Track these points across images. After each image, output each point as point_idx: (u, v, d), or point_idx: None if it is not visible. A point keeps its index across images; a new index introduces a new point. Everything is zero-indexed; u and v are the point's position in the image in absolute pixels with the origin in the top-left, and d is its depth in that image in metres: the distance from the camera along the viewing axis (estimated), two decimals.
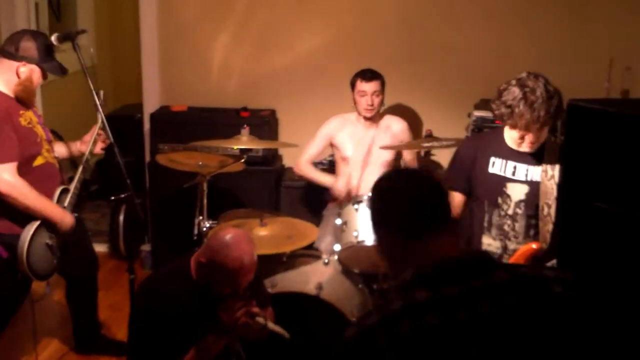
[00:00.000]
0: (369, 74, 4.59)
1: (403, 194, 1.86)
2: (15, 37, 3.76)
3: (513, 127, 3.30)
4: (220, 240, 2.92)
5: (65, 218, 3.72)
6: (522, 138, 3.33)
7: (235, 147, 4.12)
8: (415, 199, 1.84)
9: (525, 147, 3.37)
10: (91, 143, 3.91)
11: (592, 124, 2.20)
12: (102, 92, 3.75)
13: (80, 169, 3.88)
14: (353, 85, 4.64)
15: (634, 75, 4.85)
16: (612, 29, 5.05)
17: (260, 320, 2.95)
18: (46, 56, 3.72)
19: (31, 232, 3.58)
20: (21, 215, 3.60)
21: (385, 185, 1.94)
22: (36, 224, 3.62)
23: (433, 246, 1.78)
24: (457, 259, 1.76)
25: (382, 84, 4.62)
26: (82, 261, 4.18)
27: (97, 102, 3.72)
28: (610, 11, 5.06)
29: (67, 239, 3.80)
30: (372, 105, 4.57)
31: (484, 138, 3.58)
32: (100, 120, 3.84)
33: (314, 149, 4.77)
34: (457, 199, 3.60)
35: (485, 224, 3.50)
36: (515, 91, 3.21)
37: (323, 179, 4.68)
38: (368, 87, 4.56)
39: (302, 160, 4.77)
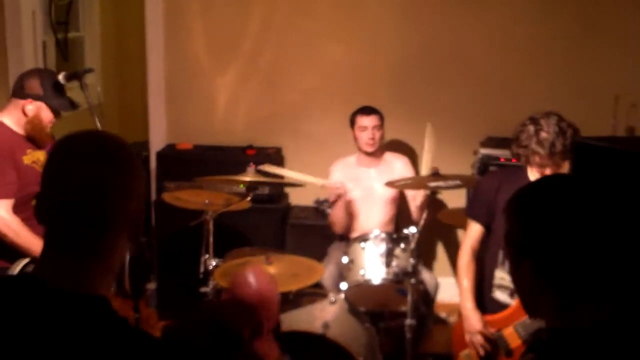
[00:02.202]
0: (367, 109, 4.65)
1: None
2: (22, 76, 3.79)
3: (531, 165, 3.33)
4: (240, 276, 2.89)
5: None
6: (542, 175, 3.34)
7: (242, 185, 4.11)
8: None
9: None
10: None
11: (599, 162, 2.19)
12: None
13: None
14: (353, 122, 4.67)
15: (639, 112, 4.86)
16: (617, 66, 5.08)
17: None
18: (54, 93, 3.71)
19: (18, 269, 3.55)
20: (10, 250, 3.58)
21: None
22: (25, 261, 3.59)
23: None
24: None
25: (382, 119, 4.66)
26: None
27: None
28: (615, 48, 5.09)
29: None
30: (373, 138, 4.60)
31: (509, 172, 3.59)
32: None
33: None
34: (476, 230, 3.60)
35: (500, 258, 3.48)
36: (529, 130, 3.26)
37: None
38: (368, 121, 4.60)
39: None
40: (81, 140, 1.59)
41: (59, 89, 3.76)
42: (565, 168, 3.37)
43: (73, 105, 3.82)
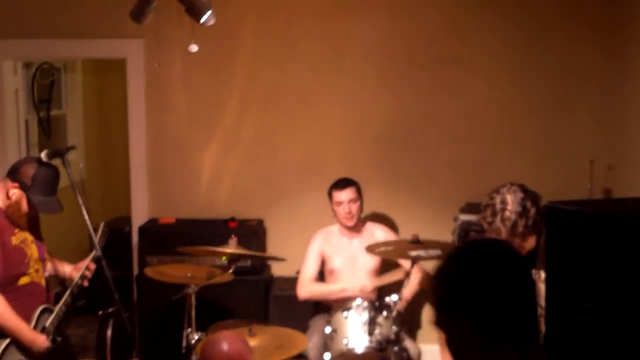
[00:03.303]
0: (342, 183, 4.69)
1: None
2: (23, 160, 3.81)
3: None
4: (213, 343, 2.90)
5: (35, 342, 3.60)
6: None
7: (223, 257, 4.13)
8: None
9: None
10: (82, 271, 3.81)
11: (571, 225, 2.24)
12: (102, 225, 3.79)
13: (68, 292, 3.77)
14: (330, 196, 4.73)
15: (615, 174, 4.94)
16: (591, 133, 5.19)
17: None
18: (41, 190, 3.66)
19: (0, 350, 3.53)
20: None
21: None
22: (5, 342, 3.56)
23: None
24: None
25: (358, 190, 4.70)
26: None
27: (94, 237, 3.73)
28: (588, 117, 5.22)
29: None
30: (350, 212, 4.64)
31: None
32: (92, 253, 3.79)
33: (311, 268, 4.77)
34: None
35: None
36: (494, 206, 3.29)
37: (334, 287, 4.67)
38: (344, 195, 4.65)
39: (304, 283, 4.74)
40: None
41: (49, 188, 3.69)
42: (530, 241, 3.41)
43: (56, 207, 3.74)
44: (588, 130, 5.22)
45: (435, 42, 5.29)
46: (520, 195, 3.31)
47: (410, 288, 4.48)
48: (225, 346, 2.84)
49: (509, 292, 1.68)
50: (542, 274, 3.37)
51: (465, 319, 1.67)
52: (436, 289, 1.76)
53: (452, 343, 1.71)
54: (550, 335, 2.39)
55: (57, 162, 3.84)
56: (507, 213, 3.26)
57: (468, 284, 1.68)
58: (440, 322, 1.74)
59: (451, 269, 1.75)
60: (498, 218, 3.27)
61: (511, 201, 3.28)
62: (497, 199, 3.31)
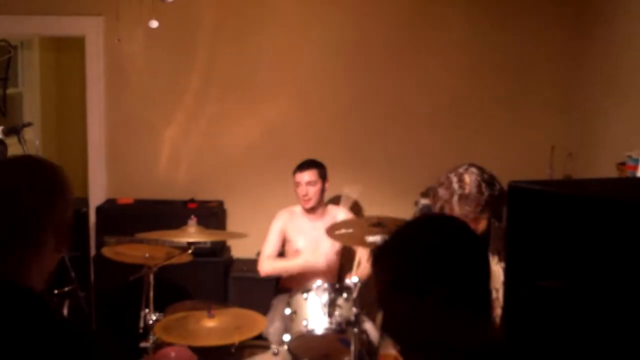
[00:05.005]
0: (304, 165, 4.69)
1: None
2: None
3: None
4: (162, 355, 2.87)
5: None
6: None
7: (183, 239, 4.09)
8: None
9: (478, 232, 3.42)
10: None
11: (533, 205, 2.24)
12: None
13: None
14: (293, 176, 4.71)
15: (575, 161, 4.99)
16: (552, 116, 5.24)
17: None
18: None
19: None
20: None
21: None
22: None
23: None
24: None
25: (320, 174, 4.67)
26: None
27: None
28: (549, 103, 5.26)
29: None
30: (306, 195, 4.63)
31: None
32: None
33: (272, 246, 4.75)
34: None
35: None
36: (450, 187, 3.29)
37: (294, 262, 4.65)
38: (302, 177, 4.64)
39: (264, 259, 4.72)
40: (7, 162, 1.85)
41: None
42: (482, 224, 3.42)
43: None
44: (549, 117, 5.27)
45: (398, 26, 5.28)
46: (476, 173, 3.31)
47: (363, 270, 4.46)
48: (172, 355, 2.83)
49: (468, 269, 1.66)
50: (496, 256, 3.40)
51: (420, 298, 1.63)
52: (385, 265, 1.69)
53: (397, 322, 1.68)
54: (509, 316, 2.39)
55: (13, 139, 3.78)
56: (465, 192, 3.27)
57: (425, 260, 1.64)
58: (392, 301, 1.69)
59: (403, 244, 1.69)
60: (455, 199, 3.28)
61: (467, 181, 3.29)
62: (449, 181, 3.31)
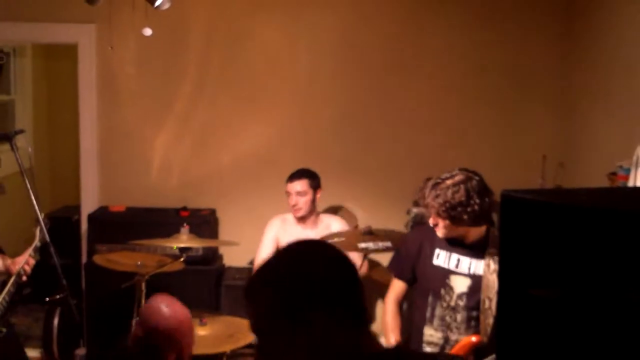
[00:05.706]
0: (294, 175, 4.71)
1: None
2: None
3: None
4: (150, 306, 2.88)
5: None
6: (435, 223, 3.42)
7: (175, 246, 4.08)
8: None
9: (439, 233, 3.45)
10: (20, 266, 3.70)
11: (526, 214, 2.25)
12: (42, 216, 3.69)
13: (8, 287, 3.67)
14: (285, 186, 4.72)
15: (566, 171, 5.01)
16: (544, 126, 5.26)
17: None
18: None
19: None
20: None
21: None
22: None
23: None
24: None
25: (311, 184, 4.68)
26: None
27: (42, 225, 3.65)
28: (541, 113, 5.28)
29: None
30: (295, 205, 4.65)
31: (430, 229, 3.64)
32: (32, 246, 3.73)
33: (266, 252, 4.73)
34: (399, 286, 3.68)
35: (428, 315, 3.52)
36: (425, 190, 3.36)
37: None
38: (292, 187, 4.66)
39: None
40: None
41: None
42: (472, 232, 3.46)
43: None
44: (541, 126, 5.29)
45: (391, 32, 5.30)
46: (468, 176, 3.34)
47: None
48: (164, 308, 2.84)
49: (338, 290, 1.67)
50: (492, 265, 3.40)
51: (293, 324, 1.63)
52: (257, 297, 1.69)
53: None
54: (501, 324, 2.39)
55: (5, 146, 3.77)
56: (440, 184, 3.32)
57: (295, 286, 1.64)
58: (267, 332, 1.69)
59: (272, 274, 1.69)
60: (430, 186, 3.34)
61: (451, 176, 3.33)
62: (449, 182, 3.34)
